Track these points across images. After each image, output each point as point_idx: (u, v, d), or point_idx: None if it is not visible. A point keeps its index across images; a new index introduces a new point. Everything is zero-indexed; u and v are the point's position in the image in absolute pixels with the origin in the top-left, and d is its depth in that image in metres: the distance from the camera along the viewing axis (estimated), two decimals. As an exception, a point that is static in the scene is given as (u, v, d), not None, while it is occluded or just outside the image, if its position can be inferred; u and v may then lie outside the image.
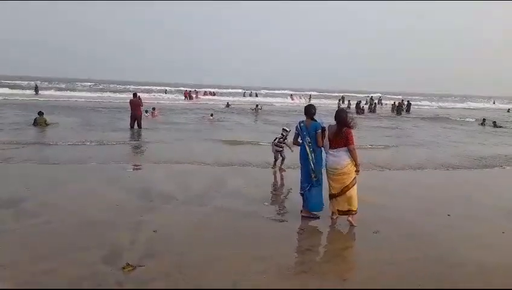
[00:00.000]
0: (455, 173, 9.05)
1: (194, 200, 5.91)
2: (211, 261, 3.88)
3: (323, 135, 5.11)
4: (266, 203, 5.87)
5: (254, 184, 7.01)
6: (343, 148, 4.97)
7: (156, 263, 3.80)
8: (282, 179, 7.61)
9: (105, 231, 4.58)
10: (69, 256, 3.90)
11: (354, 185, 5.03)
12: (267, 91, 69.23)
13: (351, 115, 5.13)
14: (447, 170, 9.26)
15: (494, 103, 62.11)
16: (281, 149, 8.25)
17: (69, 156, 9.07)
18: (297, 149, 5.60)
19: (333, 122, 5.11)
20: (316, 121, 5.22)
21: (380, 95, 40.83)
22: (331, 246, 4.67)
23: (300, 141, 5.31)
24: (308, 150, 5.17)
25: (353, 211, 5.08)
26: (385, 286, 3.53)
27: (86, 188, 6.43)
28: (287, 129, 8.20)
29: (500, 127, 21.91)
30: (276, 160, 8.32)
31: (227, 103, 32.15)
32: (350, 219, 5.14)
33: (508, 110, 40.92)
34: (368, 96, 38.89)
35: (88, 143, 11.03)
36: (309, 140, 5.17)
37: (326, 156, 5.13)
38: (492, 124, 22.38)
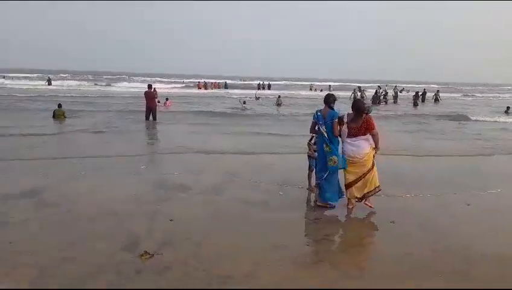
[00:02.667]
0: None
1: (210, 191, 5.96)
2: (227, 250, 3.92)
3: (341, 123, 5.08)
4: (281, 193, 5.87)
5: (270, 173, 7.01)
6: (363, 136, 5.00)
7: (173, 251, 3.85)
8: (299, 169, 7.57)
9: (123, 221, 4.66)
10: (88, 244, 3.99)
11: (372, 169, 5.11)
12: (285, 82, 68.37)
13: (368, 104, 5.15)
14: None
15: None
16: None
17: (86, 149, 9.25)
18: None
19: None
20: (333, 109, 5.17)
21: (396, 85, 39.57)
22: (347, 236, 4.65)
23: (317, 130, 5.30)
24: (325, 138, 5.15)
25: (370, 192, 5.14)
26: (401, 277, 3.49)
27: (104, 179, 6.54)
28: None
29: None
30: (311, 170, 5.97)
31: (256, 95, 28.76)
32: (367, 202, 5.22)
33: None
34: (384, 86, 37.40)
35: (104, 134, 11.20)
36: (325, 129, 5.13)
37: (344, 145, 5.12)
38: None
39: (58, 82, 44.89)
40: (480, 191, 6.27)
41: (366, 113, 5.05)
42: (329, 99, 5.23)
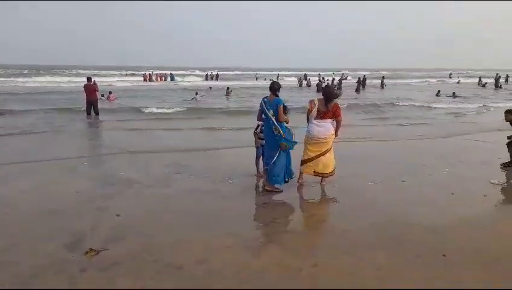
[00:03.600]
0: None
1: (157, 183, 5.86)
2: (179, 241, 3.91)
3: (311, 105, 5.49)
4: (230, 181, 5.93)
5: (217, 163, 7.03)
6: (329, 120, 5.52)
7: (121, 246, 3.76)
8: (247, 159, 7.67)
9: (66, 219, 4.46)
10: (29, 246, 3.77)
11: (330, 150, 5.59)
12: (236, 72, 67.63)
13: (337, 90, 5.75)
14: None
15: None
16: (263, 140, 6.01)
17: (24, 147, 8.62)
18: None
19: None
20: (278, 96, 5.41)
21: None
22: (294, 217, 4.84)
23: (264, 117, 5.45)
24: (272, 119, 5.34)
25: (327, 173, 5.65)
26: (346, 250, 3.73)
27: (44, 179, 6.15)
28: None
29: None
30: (258, 157, 6.16)
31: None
32: (323, 182, 5.71)
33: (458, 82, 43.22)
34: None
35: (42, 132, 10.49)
36: (273, 113, 5.34)
37: (311, 126, 5.56)
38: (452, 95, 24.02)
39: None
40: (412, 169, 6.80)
41: (335, 98, 5.53)
42: (274, 87, 5.44)
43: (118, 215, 4.55)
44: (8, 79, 36.66)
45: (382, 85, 32.91)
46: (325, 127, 5.51)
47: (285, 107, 5.44)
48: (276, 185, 5.49)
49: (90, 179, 6.10)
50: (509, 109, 7.19)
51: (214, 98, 22.54)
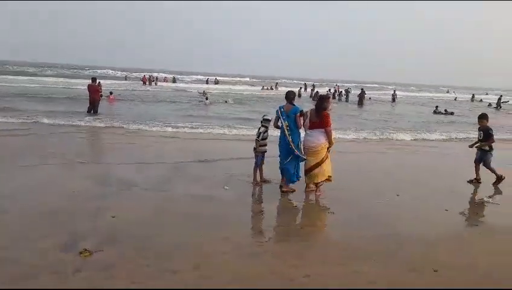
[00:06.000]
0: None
1: (154, 187, 5.87)
2: (174, 245, 3.93)
3: (304, 117, 5.71)
4: (227, 187, 5.96)
5: (215, 170, 7.06)
6: (319, 129, 5.62)
7: (115, 248, 3.78)
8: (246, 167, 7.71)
9: (62, 219, 4.47)
10: (22, 245, 3.78)
11: (325, 160, 5.68)
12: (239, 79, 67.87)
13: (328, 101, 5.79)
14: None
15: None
16: (266, 148, 6.25)
17: (22, 145, 8.62)
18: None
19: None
20: (295, 105, 5.79)
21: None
22: (289, 226, 4.86)
23: (280, 124, 5.77)
24: (286, 132, 5.68)
25: (321, 181, 5.75)
26: (339, 261, 3.75)
27: (42, 178, 6.16)
28: (269, 118, 6.29)
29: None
30: (257, 165, 6.21)
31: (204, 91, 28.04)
32: (318, 192, 5.82)
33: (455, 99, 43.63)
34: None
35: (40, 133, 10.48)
36: (287, 123, 5.67)
37: (304, 137, 5.76)
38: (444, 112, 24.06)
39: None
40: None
41: (325, 110, 5.65)
42: (290, 96, 5.83)
43: (113, 216, 4.56)
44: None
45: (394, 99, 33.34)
46: (314, 136, 5.64)
47: (301, 112, 5.74)
48: (290, 185, 5.83)
49: (88, 179, 6.10)
50: (484, 113, 7.11)
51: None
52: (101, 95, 15.39)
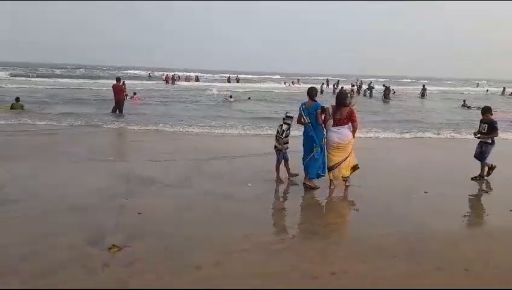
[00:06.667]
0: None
1: (178, 184, 5.97)
2: (197, 242, 3.98)
3: (324, 113, 5.71)
4: (250, 185, 5.98)
5: (238, 166, 7.10)
6: (346, 125, 5.70)
7: (141, 244, 3.87)
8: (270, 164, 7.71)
9: (90, 215, 4.62)
10: (52, 240, 3.92)
11: (351, 154, 5.81)
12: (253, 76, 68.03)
13: (349, 97, 5.79)
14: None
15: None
16: (288, 145, 6.21)
17: (47, 142, 8.96)
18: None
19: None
20: (316, 102, 5.80)
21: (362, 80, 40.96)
22: (312, 223, 4.80)
23: (303, 121, 5.82)
24: (309, 128, 5.77)
25: (346, 177, 5.89)
26: (363, 259, 3.70)
27: (70, 175, 6.40)
28: (291, 116, 6.24)
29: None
30: (280, 162, 6.22)
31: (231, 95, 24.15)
32: (347, 184, 5.96)
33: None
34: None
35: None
36: (309, 119, 5.73)
37: (329, 134, 5.76)
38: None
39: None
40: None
41: (348, 106, 5.76)
42: (312, 92, 5.83)
43: (139, 213, 4.67)
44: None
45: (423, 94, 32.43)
46: (343, 133, 5.69)
47: (323, 108, 5.74)
48: (314, 181, 5.84)
49: (113, 177, 6.27)
50: (487, 106, 6.86)
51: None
52: (126, 95, 15.69)
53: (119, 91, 14.62)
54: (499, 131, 6.67)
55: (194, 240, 4.03)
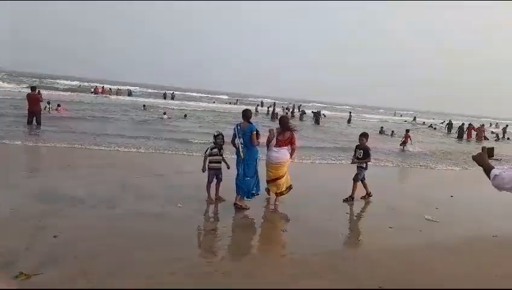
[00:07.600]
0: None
1: (102, 204, 5.62)
2: (120, 266, 3.76)
3: (258, 136, 5.94)
4: (180, 205, 5.84)
5: (168, 186, 6.91)
6: (286, 147, 6.25)
7: (57, 270, 3.55)
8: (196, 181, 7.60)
9: (-2, 238, 4.12)
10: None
11: (285, 175, 6.32)
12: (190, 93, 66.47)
13: (291, 121, 6.50)
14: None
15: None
16: (219, 165, 6.16)
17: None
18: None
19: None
20: (251, 123, 5.96)
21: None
22: (240, 246, 4.82)
23: (236, 142, 5.95)
24: (241, 149, 5.91)
25: (279, 192, 6.35)
26: (281, 279, 3.80)
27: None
28: (222, 133, 6.26)
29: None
30: (210, 182, 6.15)
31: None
32: (276, 202, 6.37)
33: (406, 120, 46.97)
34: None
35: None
36: (242, 141, 5.88)
37: (270, 152, 6.26)
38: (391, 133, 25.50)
39: None
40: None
41: (291, 130, 6.28)
42: (247, 114, 5.99)
43: (55, 236, 4.29)
44: None
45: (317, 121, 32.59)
46: (282, 153, 6.24)
47: (257, 132, 5.93)
48: (246, 201, 6.00)
49: (28, 196, 5.70)
50: (364, 132, 7.23)
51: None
52: (50, 107, 14.54)
53: (34, 101, 13.42)
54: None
55: (117, 263, 3.80)
